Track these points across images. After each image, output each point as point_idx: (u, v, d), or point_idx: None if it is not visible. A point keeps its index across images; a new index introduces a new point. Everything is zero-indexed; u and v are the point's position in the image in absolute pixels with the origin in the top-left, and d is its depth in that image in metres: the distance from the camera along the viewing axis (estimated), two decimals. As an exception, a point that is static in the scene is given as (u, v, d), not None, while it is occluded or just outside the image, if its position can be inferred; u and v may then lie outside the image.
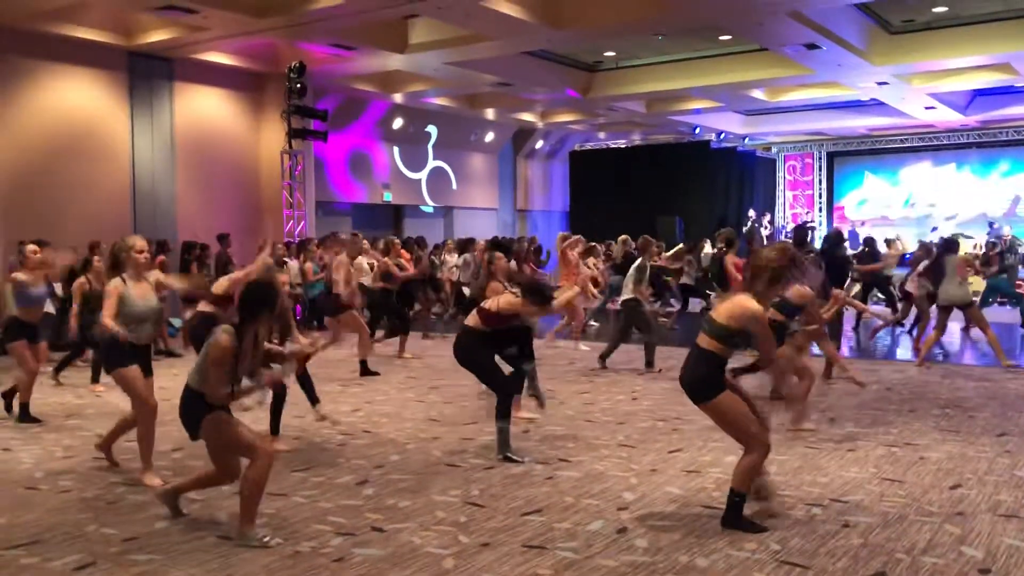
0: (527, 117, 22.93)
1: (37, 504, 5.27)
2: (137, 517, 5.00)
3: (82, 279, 9.33)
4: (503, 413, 6.22)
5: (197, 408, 4.61)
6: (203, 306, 7.49)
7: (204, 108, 16.10)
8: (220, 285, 7.46)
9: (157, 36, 14.05)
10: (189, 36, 13.92)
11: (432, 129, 21.63)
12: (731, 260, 11.05)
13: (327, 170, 18.92)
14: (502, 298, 6.40)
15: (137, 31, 14.21)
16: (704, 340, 4.75)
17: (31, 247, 7.70)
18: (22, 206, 13.04)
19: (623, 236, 14.94)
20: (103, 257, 7.40)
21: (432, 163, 22.10)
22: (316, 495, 5.39)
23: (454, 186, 22.92)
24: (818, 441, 6.72)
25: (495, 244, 11.64)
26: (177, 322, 13.39)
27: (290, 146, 16.25)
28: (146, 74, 14.98)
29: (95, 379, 9.27)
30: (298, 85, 15.60)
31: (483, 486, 5.56)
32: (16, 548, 4.51)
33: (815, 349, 8.57)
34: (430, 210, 22.53)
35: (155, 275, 6.11)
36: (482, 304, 6.49)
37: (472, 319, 6.42)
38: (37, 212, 13.14)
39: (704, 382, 4.72)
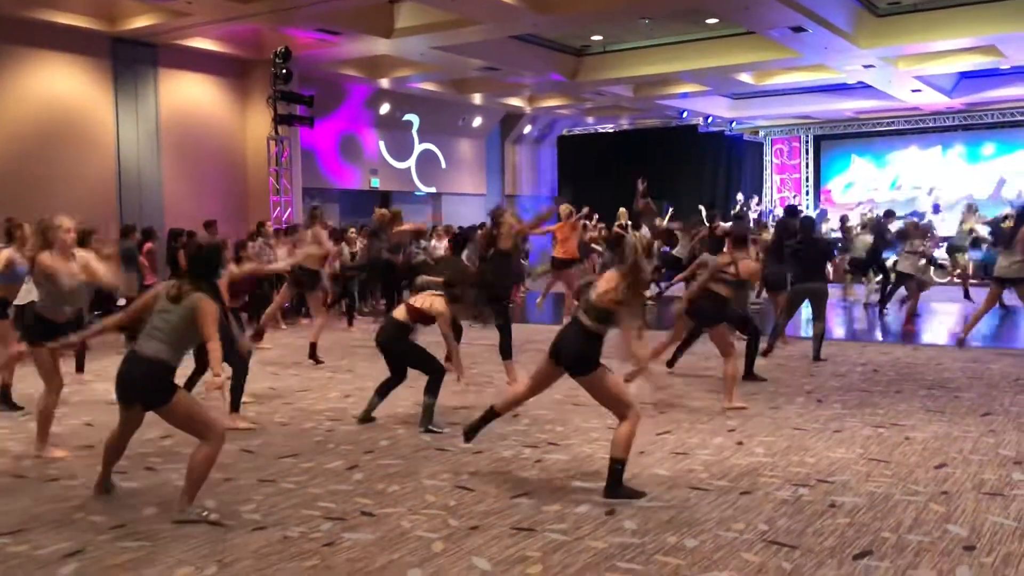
0: (515, 102, 22.87)
1: (24, 492, 5.26)
2: (126, 504, 4.99)
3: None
4: (433, 390, 6.67)
5: (167, 380, 4.69)
6: None
7: (189, 94, 15.99)
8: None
9: (141, 22, 13.94)
10: (173, 22, 13.81)
11: (413, 118, 21.50)
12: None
13: (314, 156, 18.82)
14: (431, 300, 6.74)
15: (121, 17, 14.10)
16: (584, 318, 5.07)
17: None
18: (6, 192, 12.93)
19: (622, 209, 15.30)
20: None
21: (419, 147, 22.02)
22: (305, 481, 5.39)
23: (443, 170, 22.85)
24: (805, 422, 6.76)
25: (458, 236, 11.17)
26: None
27: (276, 132, 16.18)
28: (130, 60, 14.87)
29: (79, 368, 9.24)
30: (283, 71, 15.52)
31: (472, 470, 5.57)
32: (4, 536, 4.50)
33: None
34: (422, 194, 22.45)
35: (84, 257, 6.28)
36: (411, 301, 6.87)
37: (400, 313, 6.82)
38: (21, 199, 13.01)
39: (585, 357, 5.04)
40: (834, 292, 15.39)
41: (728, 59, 17.55)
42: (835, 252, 14.66)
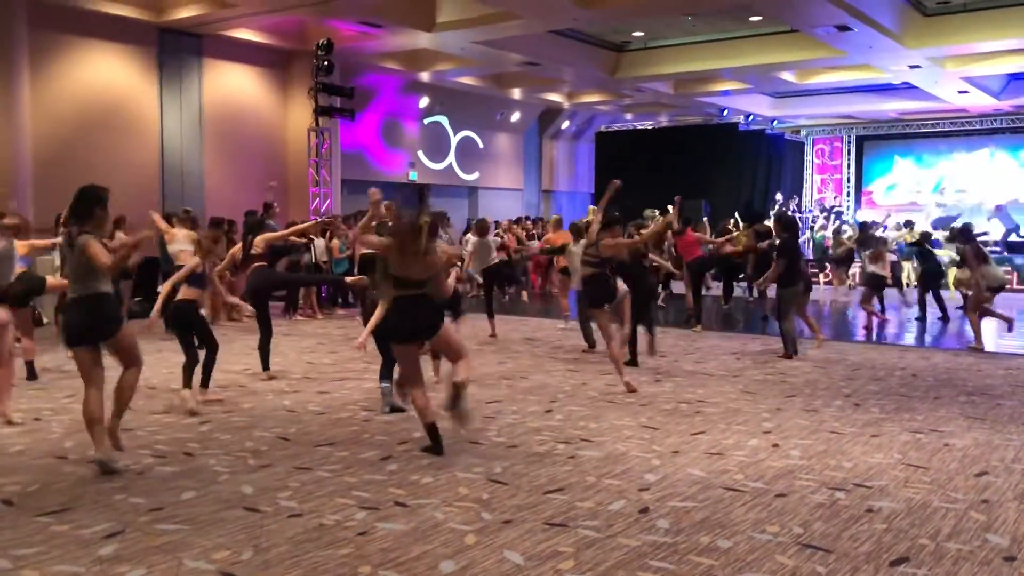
0: (554, 97, 22.83)
1: (67, 473, 5.36)
2: (165, 487, 5.07)
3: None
4: (386, 375, 7.10)
5: (118, 310, 5.54)
6: (184, 293, 7.41)
7: (232, 84, 16.17)
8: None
9: (187, 12, 14.11)
10: (218, 12, 13.97)
11: (443, 119, 21.55)
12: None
13: (353, 148, 18.94)
14: None
15: (167, 7, 14.29)
16: (408, 291, 5.70)
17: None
18: (53, 178, 13.17)
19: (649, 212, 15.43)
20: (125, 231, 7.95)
21: (457, 137, 22.02)
22: (340, 469, 5.44)
23: (481, 160, 22.87)
24: (842, 426, 6.69)
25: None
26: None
27: (317, 123, 16.30)
28: (175, 50, 15.07)
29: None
30: (325, 63, 15.63)
31: (505, 464, 5.58)
32: (47, 515, 4.60)
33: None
34: (460, 187, 22.47)
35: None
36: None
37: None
38: (67, 185, 13.10)
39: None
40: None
41: (771, 57, 17.37)
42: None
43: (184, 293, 7.34)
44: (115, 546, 4.18)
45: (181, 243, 11.05)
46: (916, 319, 13.65)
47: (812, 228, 22.65)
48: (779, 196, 24.34)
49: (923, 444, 6.17)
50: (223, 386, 8.10)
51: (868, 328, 12.60)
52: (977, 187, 23.94)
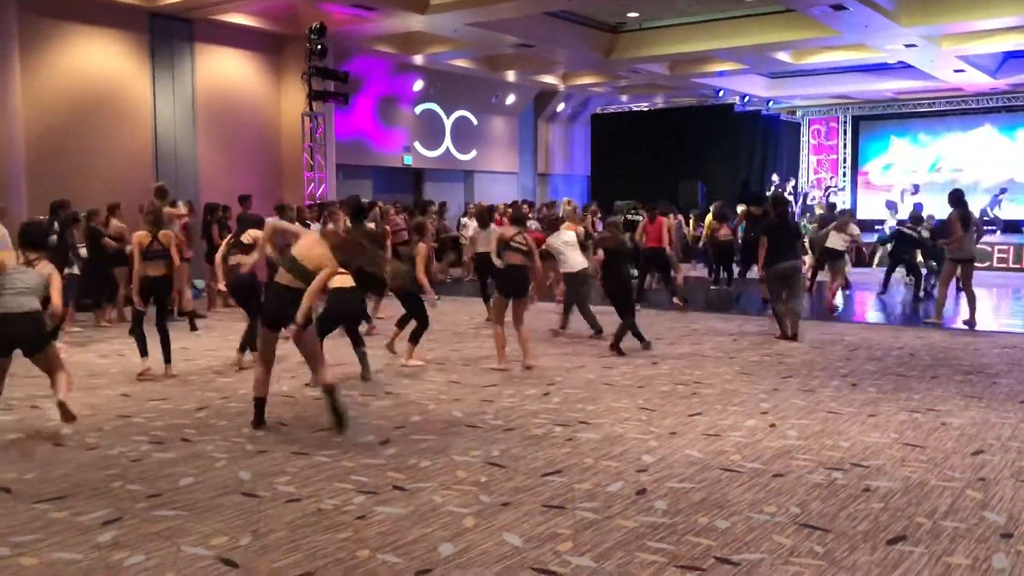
0: (549, 80, 22.71)
1: (65, 460, 5.36)
2: (161, 474, 5.07)
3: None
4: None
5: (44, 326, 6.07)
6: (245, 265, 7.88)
7: (225, 70, 16.06)
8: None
9: (177, -4, 13.99)
10: (209, -4, 13.85)
11: (436, 107, 21.46)
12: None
13: (347, 132, 18.85)
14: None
15: (157, -9, 14.16)
16: (287, 278, 5.80)
17: None
18: (46, 166, 13.12)
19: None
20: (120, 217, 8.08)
21: (453, 117, 21.91)
22: (338, 454, 5.44)
23: (476, 140, 22.77)
24: (839, 406, 6.70)
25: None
26: (200, 283, 13.49)
27: (311, 108, 16.20)
28: (167, 35, 14.94)
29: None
30: (318, 47, 15.51)
31: (503, 447, 5.59)
32: (46, 502, 4.60)
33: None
34: (456, 171, 22.39)
35: None
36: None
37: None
38: (61, 172, 13.22)
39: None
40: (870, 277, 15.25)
41: (766, 37, 17.27)
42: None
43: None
44: (113, 533, 4.18)
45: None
46: (879, 295, 13.78)
47: (809, 209, 22.63)
48: (775, 177, 24.30)
49: (920, 423, 6.18)
50: (219, 372, 8.10)
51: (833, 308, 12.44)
52: (974, 166, 23.90)
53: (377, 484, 4.87)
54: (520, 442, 5.71)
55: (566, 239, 10.05)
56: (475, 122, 22.61)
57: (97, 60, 14.12)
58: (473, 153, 22.61)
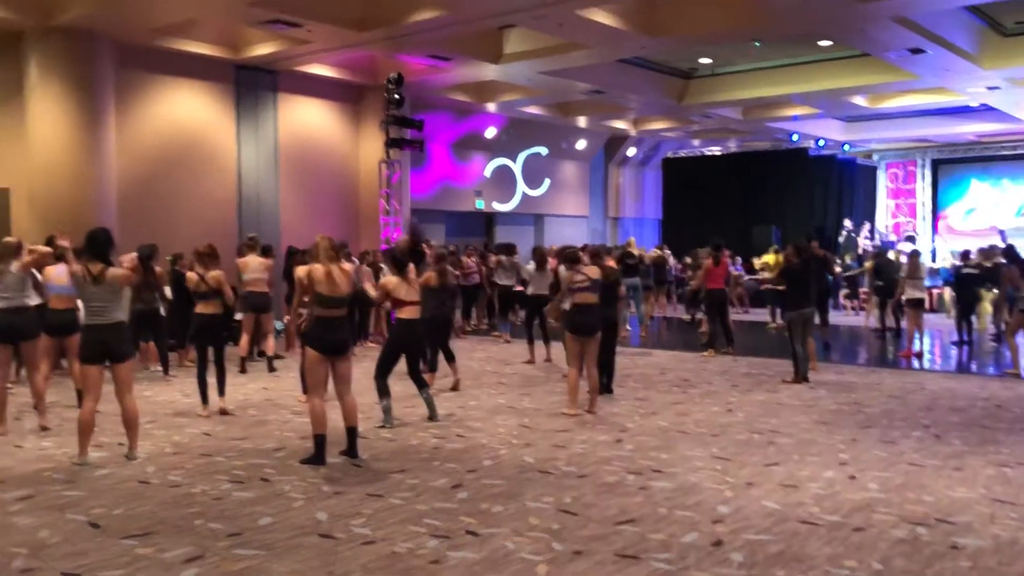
0: (620, 124, 22.84)
1: (149, 497, 5.53)
2: (242, 513, 5.19)
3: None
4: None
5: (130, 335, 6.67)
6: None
7: (306, 118, 16.60)
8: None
9: (264, 49, 14.55)
10: (293, 49, 14.37)
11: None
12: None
13: (422, 178, 19.24)
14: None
15: (244, 44, 14.76)
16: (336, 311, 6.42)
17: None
18: (137, 211, 13.69)
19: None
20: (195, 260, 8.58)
21: (524, 153, 22.18)
22: (411, 497, 5.49)
23: (546, 195, 22.99)
24: (922, 458, 6.50)
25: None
26: (280, 325, 13.83)
27: (387, 155, 16.60)
28: (252, 86, 15.55)
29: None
30: (396, 96, 15.92)
31: (575, 494, 5.57)
32: (132, 538, 4.75)
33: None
34: (526, 215, 22.60)
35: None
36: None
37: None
38: (150, 217, 13.78)
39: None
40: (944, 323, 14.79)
41: (841, 81, 17.12)
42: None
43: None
44: (195, 570, 4.29)
45: (255, 271, 11.32)
46: (957, 343, 13.39)
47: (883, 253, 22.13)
48: (847, 223, 23.76)
49: (1010, 478, 5.96)
50: (296, 412, 8.27)
51: (908, 356, 12.17)
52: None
53: (450, 528, 4.90)
54: (593, 489, 5.68)
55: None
56: (546, 165, 22.84)
57: (186, 110, 14.76)
58: (545, 185, 22.77)
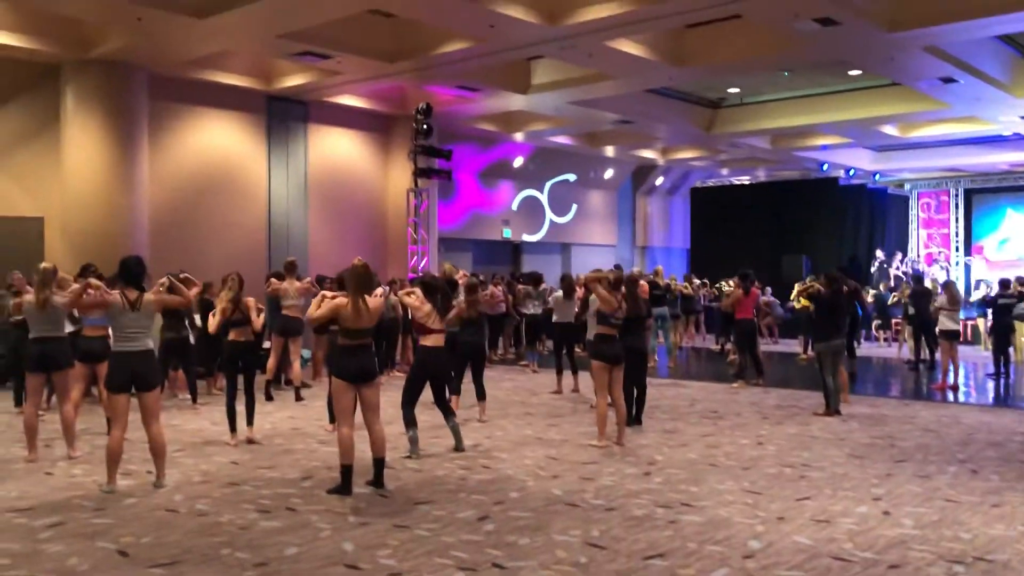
0: (648, 154, 22.87)
1: (177, 526, 5.54)
2: (268, 543, 5.17)
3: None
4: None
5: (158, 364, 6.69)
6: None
7: (336, 148, 16.79)
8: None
9: (295, 80, 14.77)
10: (324, 80, 14.58)
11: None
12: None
13: (450, 207, 19.35)
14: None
15: (276, 76, 14.99)
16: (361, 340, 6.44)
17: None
18: (168, 239, 13.89)
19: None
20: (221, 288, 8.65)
21: (551, 182, 22.27)
22: (438, 528, 5.45)
23: (574, 223, 23.03)
24: (958, 494, 6.36)
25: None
26: (307, 353, 13.87)
27: (416, 184, 16.71)
28: (283, 116, 15.78)
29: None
30: (425, 126, 16.06)
31: (603, 527, 5.50)
32: (160, 567, 4.75)
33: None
34: (553, 243, 22.62)
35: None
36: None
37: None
38: (181, 245, 13.97)
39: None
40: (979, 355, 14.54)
41: (872, 111, 17.04)
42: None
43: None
44: (222, 600, 4.27)
45: (292, 297, 11.37)
46: (993, 375, 13.14)
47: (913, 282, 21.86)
48: (879, 253, 23.48)
49: (1049, 516, 5.80)
50: (323, 441, 8.27)
51: (942, 388, 12.02)
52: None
53: (476, 561, 4.85)
54: (621, 523, 5.61)
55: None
56: (574, 195, 22.89)
57: (218, 140, 14.99)
58: (572, 212, 22.80)
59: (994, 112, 16.42)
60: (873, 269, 22.39)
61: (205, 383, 11.62)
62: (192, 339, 10.88)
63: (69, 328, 7.98)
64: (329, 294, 6.60)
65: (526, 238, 21.74)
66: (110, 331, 7.04)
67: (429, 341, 7.72)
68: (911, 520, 5.68)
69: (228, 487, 6.54)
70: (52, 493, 6.38)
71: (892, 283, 20.31)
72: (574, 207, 23.00)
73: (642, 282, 11.36)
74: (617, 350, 8.15)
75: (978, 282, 20.89)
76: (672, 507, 5.99)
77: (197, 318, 11.19)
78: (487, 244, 21.00)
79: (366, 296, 6.40)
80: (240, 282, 8.42)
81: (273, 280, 11.72)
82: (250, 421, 8.26)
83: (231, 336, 8.21)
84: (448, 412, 7.93)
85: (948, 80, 14.03)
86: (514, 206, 21.33)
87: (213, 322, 8.21)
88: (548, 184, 22.23)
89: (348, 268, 6.62)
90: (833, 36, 11.88)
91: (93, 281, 6.99)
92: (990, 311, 15.03)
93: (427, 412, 8.44)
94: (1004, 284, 14.06)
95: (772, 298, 19.09)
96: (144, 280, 6.60)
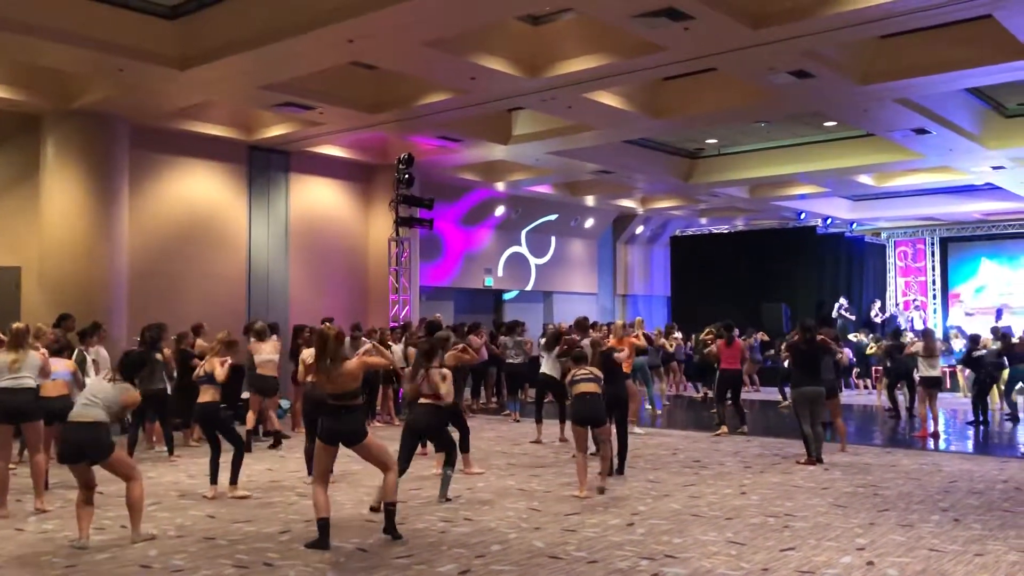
0: (627, 203, 23.06)
1: (151, 582, 5.41)
2: (244, 599, 5.06)
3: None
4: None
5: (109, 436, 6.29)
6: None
7: (317, 197, 16.82)
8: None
9: (276, 131, 14.84)
10: (306, 131, 14.65)
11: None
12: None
13: (431, 255, 19.37)
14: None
15: (257, 126, 15.05)
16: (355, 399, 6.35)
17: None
18: (147, 288, 13.79)
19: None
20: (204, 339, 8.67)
21: (527, 229, 22.42)
22: (418, 583, 5.36)
23: (554, 272, 23.13)
24: (942, 543, 6.33)
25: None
26: (286, 404, 13.73)
27: (397, 233, 16.73)
28: (264, 166, 15.82)
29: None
30: (406, 176, 16.13)
31: (586, 580, 5.42)
32: (130, 626, 4.62)
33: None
34: (535, 292, 22.68)
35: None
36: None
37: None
38: (160, 294, 13.87)
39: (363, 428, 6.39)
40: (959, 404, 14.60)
41: (847, 161, 17.29)
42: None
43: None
44: (195, 660, 4.16)
45: (267, 354, 11.39)
46: (972, 423, 13.17)
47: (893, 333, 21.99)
48: (843, 300, 23.42)
49: (1033, 565, 5.78)
50: (302, 494, 8.14)
51: (923, 436, 11.98)
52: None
53: (458, 617, 4.76)
54: (604, 575, 5.53)
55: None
56: (554, 244, 23.01)
57: (199, 190, 14.98)
58: (549, 254, 22.91)
59: (966, 163, 16.72)
60: (835, 314, 22.47)
61: (182, 435, 11.45)
62: (169, 390, 10.74)
63: (39, 381, 7.75)
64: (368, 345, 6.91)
65: (511, 293, 21.82)
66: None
67: (425, 397, 7.87)
68: (895, 571, 5.64)
69: (204, 541, 6.41)
70: (22, 548, 6.23)
71: (869, 332, 20.39)
72: (553, 244, 23.06)
73: (631, 338, 11.50)
74: (595, 412, 8.13)
75: (949, 328, 20.93)
76: (655, 559, 5.92)
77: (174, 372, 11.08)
78: (469, 292, 21.01)
79: (336, 360, 6.25)
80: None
81: (253, 339, 11.71)
82: (234, 480, 8.08)
83: (200, 397, 8.12)
84: (449, 461, 7.92)
85: (921, 131, 14.29)
86: (499, 270, 21.45)
87: (220, 371, 8.11)
88: (524, 231, 22.34)
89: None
90: (807, 89, 12.10)
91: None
92: (968, 369, 15.04)
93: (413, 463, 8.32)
94: (974, 340, 14.07)
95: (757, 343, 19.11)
96: (136, 374, 6.71)
